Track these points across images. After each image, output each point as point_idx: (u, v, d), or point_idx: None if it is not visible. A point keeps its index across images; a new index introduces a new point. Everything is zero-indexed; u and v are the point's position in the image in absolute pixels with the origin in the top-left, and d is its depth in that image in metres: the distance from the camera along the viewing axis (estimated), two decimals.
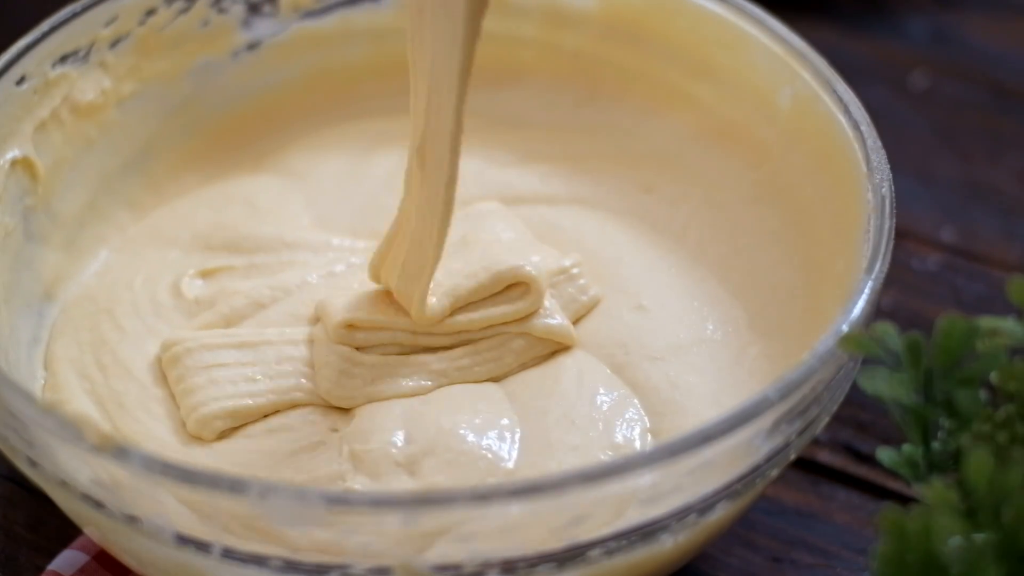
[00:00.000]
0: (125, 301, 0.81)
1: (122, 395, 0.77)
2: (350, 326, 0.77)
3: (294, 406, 0.76)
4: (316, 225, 0.85)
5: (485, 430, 0.74)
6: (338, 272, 0.82)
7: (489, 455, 0.74)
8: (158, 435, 0.76)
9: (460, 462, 0.73)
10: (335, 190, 0.87)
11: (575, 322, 0.80)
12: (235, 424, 0.76)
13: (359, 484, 0.72)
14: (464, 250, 0.79)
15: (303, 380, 0.77)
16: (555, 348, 0.79)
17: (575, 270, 0.81)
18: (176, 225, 0.85)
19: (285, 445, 0.75)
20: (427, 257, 0.75)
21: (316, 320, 0.79)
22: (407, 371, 0.77)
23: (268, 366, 0.77)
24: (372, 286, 0.79)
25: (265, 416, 0.76)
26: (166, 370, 0.78)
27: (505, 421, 0.75)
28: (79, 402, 0.77)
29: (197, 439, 0.76)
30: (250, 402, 0.76)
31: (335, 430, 0.76)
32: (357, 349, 0.77)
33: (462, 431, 0.74)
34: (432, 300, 0.77)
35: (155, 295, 0.81)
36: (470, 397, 0.76)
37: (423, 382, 0.77)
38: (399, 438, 0.74)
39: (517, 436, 0.75)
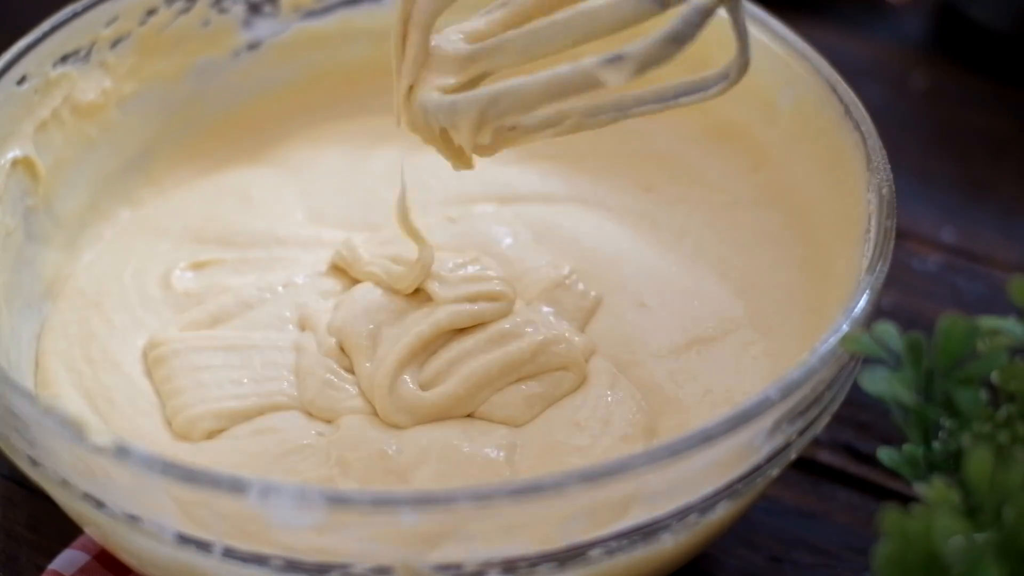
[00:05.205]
0: (114, 294, 0.81)
1: (111, 390, 0.77)
2: (344, 350, 0.77)
3: (277, 409, 0.76)
4: (309, 219, 0.85)
5: (481, 439, 0.74)
6: (324, 272, 0.82)
7: (486, 462, 0.73)
8: (147, 431, 0.76)
9: (455, 471, 0.73)
10: (331, 184, 0.87)
11: (583, 328, 0.80)
12: (221, 426, 0.76)
13: (350, 488, 0.72)
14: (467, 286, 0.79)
15: (286, 385, 0.77)
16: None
17: (572, 278, 0.80)
18: (168, 217, 0.85)
19: (272, 447, 0.75)
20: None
21: (302, 325, 0.79)
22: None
23: (254, 370, 0.77)
24: (353, 288, 0.79)
25: (249, 418, 0.76)
26: (152, 368, 0.78)
27: (503, 431, 0.75)
28: (68, 396, 0.77)
29: (184, 438, 0.76)
30: (235, 404, 0.76)
31: (321, 434, 0.75)
32: (345, 369, 0.77)
33: (456, 441, 0.74)
34: (424, 395, 0.76)
35: (144, 288, 0.81)
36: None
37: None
38: (390, 447, 0.74)
39: (517, 444, 0.75)
